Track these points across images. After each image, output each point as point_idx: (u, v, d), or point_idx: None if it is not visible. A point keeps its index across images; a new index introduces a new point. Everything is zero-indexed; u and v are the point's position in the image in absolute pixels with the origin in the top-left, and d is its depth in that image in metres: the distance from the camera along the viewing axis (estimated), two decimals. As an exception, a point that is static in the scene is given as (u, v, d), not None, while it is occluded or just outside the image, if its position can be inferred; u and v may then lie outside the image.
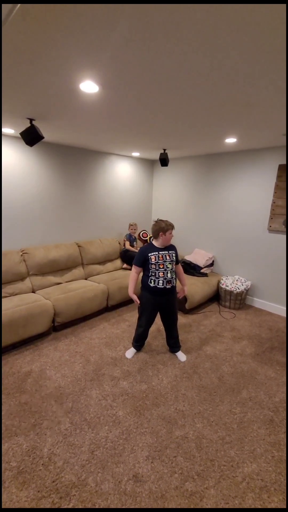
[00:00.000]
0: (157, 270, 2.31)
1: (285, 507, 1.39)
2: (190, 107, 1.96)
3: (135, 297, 2.45)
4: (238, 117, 2.17)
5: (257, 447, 1.73)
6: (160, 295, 2.39)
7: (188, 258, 4.35)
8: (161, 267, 2.31)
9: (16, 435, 1.75)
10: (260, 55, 1.24)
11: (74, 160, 3.83)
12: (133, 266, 2.43)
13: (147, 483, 1.49)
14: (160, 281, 2.32)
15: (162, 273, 2.32)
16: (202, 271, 4.10)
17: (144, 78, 1.51)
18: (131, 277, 2.44)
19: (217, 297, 4.06)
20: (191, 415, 1.96)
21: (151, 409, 2.00)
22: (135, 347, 2.69)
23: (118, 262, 4.31)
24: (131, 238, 4.36)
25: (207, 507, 1.38)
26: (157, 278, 2.32)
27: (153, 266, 2.31)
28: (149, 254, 2.32)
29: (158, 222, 2.34)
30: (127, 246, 4.30)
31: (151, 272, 2.33)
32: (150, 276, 2.34)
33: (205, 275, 4.05)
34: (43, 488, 1.44)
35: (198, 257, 4.26)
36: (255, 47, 1.18)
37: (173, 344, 2.65)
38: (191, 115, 2.14)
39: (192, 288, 3.56)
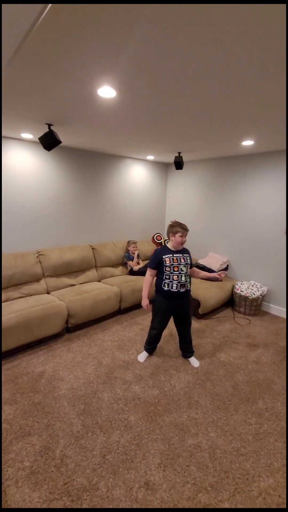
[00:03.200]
0: (171, 273, 2.28)
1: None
2: (207, 110, 1.94)
3: (147, 302, 2.42)
4: (257, 119, 2.13)
5: (274, 460, 1.65)
6: (174, 299, 2.35)
7: (202, 262, 4.29)
8: (176, 270, 2.29)
9: (29, 434, 1.77)
10: (280, 55, 1.20)
11: (90, 164, 3.89)
12: (148, 269, 2.42)
13: (158, 492, 1.46)
14: (174, 285, 2.29)
15: (176, 276, 2.28)
16: (216, 275, 4.02)
17: (161, 82, 1.51)
18: (146, 280, 2.43)
19: (231, 302, 3.97)
20: (204, 423, 1.91)
21: (163, 415, 1.97)
22: (147, 350, 2.67)
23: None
24: (130, 257, 4.12)
25: (221, 521, 1.34)
26: (171, 281, 2.29)
27: (167, 268, 2.28)
28: (164, 257, 2.30)
29: (172, 223, 2.34)
30: (132, 265, 4.05)
31: (165, 275, 2.30)
32: (164, 279, 2.31)
33: (219, 279, 3.97)
34: (55, 490, 1.45)
35: (212, 261, 4.19)
36: (274, 48, 1.15)
37: (186, 349, 2.61)
38: (208, 117, 2.12)
39: (206, 292, 3.50)
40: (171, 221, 2.38)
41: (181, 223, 2.32)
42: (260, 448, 1.73)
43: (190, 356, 2.63)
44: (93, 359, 2.60)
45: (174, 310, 2.43)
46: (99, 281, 3.81)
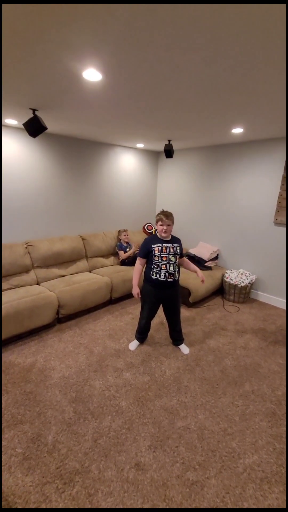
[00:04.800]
0: (160, 262, 2.29)
1: (285, 497, 1.41)
2: (195, 96, 1.91)
3: (137, 290, 2.43)
4: (245, 106, 2.11)
5: (258, 439, 1.74)
6: (162, 288, 2.37)
7: (193, 251, 4.32)
8: (164, 259, 2.29)
9: (21, 423, 1.79)
10: (266, 43, 1.18)
11: (78, 152, 3.79)
12: (138, 258, 2.43)
13: (149, 472, 1.52)
14: (162, 274, 2.30)
15: (164, 265, 2.29)
16: (206, 264, 4.07)
17: (148, 66, 1.47)
18: (136, 269, 2.44)
19: (221, 290, 4.04)
20: (193, 406, 1.97)
21: (153, 400, 2.02)
22: (138, 339, 2.70)
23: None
24: (122, 247, 4.12)
25: (208, 496, 1.40)
26: (159, 270, 2.30)
27: (156, 258, 2.29)
28: (153, 246, 2.30)
29: (159, 213, 2.33)
30: (122, 256, 4.07)
31: (154, 264, 2.31)
32: (152, 268, 2.32)
33: (209, 268, 4.03)
34: (48, 474, 1.48)
35: (202, 251, 4.23)
36: (261, 36, 1.13)
37: (176, 337, 2.66)
38: (196, 104, 2.08)
39: (196, 281, 3.54)
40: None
41: (164, 211, 2.30)
42: (246, 428, 1.81)
43: (180, 344, 2.68)
44: (85, 349, 2.62)
45: (163, 299, 2.46)
46: (90, 272, 3.80)
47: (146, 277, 2.42)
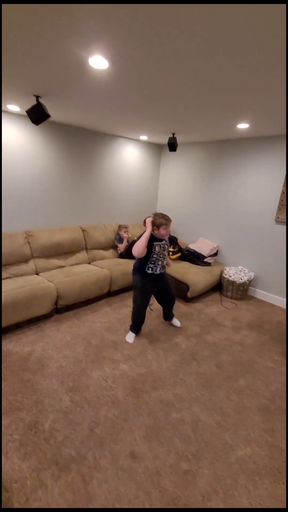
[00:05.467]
0: (157, 259, 2.42)
1: (274, 489, 1.45)
2: (202, 88, 1.87)
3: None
4: (252, 101, 2.07)
5: (251, 432, 1.77)
6: (156, 280, 2.53)
7: (192, 246, 4.32)
8: (161, 256, 2.44)
9: (19, 410, 1.81)
10: (272, 39, 1.16)
11: (81, 142, 3.74)
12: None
13: (143, 461, 1.55)
14: (158, 268, 2.46)
15: (161, 261, 2.46)
16: (205, 260, 4.08)
17: (155, 56, 1.43)
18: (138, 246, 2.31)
19: (219, 286, 4.06)
20: (188, 399, 2.01)
21: (149, 392, 2.05)
22: (135, 331, 2.73)
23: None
24: (121, 240, 4.06)
25: (199, 485, 1.44)
26: (155, 266, 2.44)
27: (154, 255, 2.39)
28: (155, 243, 2.37)
29: (155, 215, 2.37)
30: (121, 248, 4.05)
31: (152, 260, 2.40)
32: (149, 264, 2.41)
33: (208, 264, 4.04)
34: (44, 460, 1.51)
35: (202, 246, 4.23)
36: (268, 31, 1.10)
37: (168, 316, 2.95)
38: (203, 97, 2.05)
39: (195, 277, 3.55)
40: (153, 213, 2.41)
41: (164, 215, 2.35)
42: (239, 421, 1.85)
43: (172, 318, 2.94)
44: (82, 339, 2.64)
45: (158, 289, 2.63)
46: (89, 263, 3.80)
47: (139, 270, 2.48)
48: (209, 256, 4.14)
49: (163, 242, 2.44)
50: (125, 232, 4.10)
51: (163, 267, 2.50)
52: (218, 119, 2.72)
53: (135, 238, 4.05)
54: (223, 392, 2.09)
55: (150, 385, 2.12)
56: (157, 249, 2.37)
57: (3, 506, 1.29)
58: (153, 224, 2.33)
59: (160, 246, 2.40)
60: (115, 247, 4.20)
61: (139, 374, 2.23)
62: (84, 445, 1.62)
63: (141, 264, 2.45)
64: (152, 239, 2.36)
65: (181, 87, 1.88)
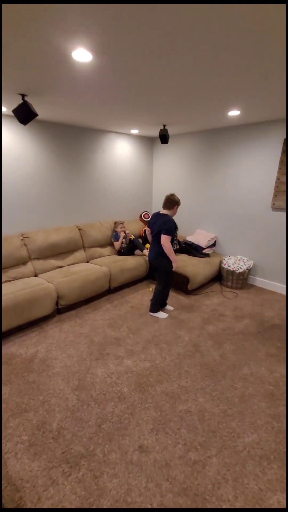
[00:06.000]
0: (176, 238, 2.90)
1: (283, 473, 1.47)
2: (190, 77, 1.83)
3: (178, 262, 2.86)
4: (242, 87, 2.04)
5: (257, 419, 1.79)
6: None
7: (190, 239, 4.31)
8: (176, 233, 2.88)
9: (26, 411, 1.82)
10: (260, 23, 1.12)
11: (71, 139, 3.69)
12: (167, 237, 2.66)
13: (152, 453, 1.57)
14: (175, 247, 2.89)
15: (177, 240, 2.98)
16: (204, 251, 4.07)
17: (140, 45, 1.40)
18: (170, 247, 2.70)
19: (219, 277, 4.06)
20: (193, 390, 2.02)
21: (154, 385, 2.07)
22: (162, 307, 3.20)
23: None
24: (117, 237, 4.01)
25: (209, 474, 1.46)
26: (175, 245, 2.89)
27: (176, 235, 2.87)
28: (173, 224, 2.75)
29: (174, 195, 2.78)
30: (117, 246, 4.00)
31: (175, 238, 2.85)
32: (174, 242, 2.81)
33: (207, 255, 4.03)
34: (54, 459, 1.52)
35: (200, 238, 4.21)
36: (256, 16, 1.07)
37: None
38: (191, 85, 2.01)
39: (194, 269, 3.55)
40: (172, 194, 2.80)
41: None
42: (245, 409, 1.86)
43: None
44: (85, 338, 2.65)
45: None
46: (87, 262, 3.79)
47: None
48: (207, 247, 4.13)
49: None
50: (121, 228, 4.07)
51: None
52: (209, 108, 2.68)
53: (133, 237, 4.05)
54: (227, 381, 2.11)
55: (155, 378, 2.13)
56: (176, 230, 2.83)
57: (16, 506, 1.30)
58: (177, 204, 2.77)
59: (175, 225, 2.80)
60: (112, 244, 4.19)
61: (144, 369, 2.24)
62: (92, 441, 1.63)
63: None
64: (174, 221, 2.75)
65: (168, 78, 1.85)
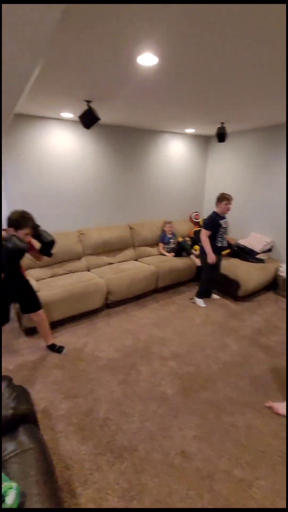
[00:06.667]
0: (224, 233, 3.06)
1: None
2: (255, 74, 1.72)
3: (214, 256, 3.06)
4: None
5: (315, 448, 1.61)
6: (220, 252, 3.17)
7: (243, 242, 4.06)
8: (223, 231, 3.06)
9: (76, 396, 1.97)
10: None
11: (127, 141, 3.81)
12: (205, 231, 3.04)
13: (194, 461, 1.54)
14: (225, 242, 3.12)
15: (225, 236, 3.09)
16: (258, 256, 3.80)
17: (206, 45, 1.36)
18: (206, 241, 3.05)
19: (274, 285, 3.75)
20: (240, 404, 1.91)
21: (199, 391, 2.02)
22: (206, 296, 3.40)
23: (167, 245, 4.28)
24: (165, 239, 4.03)
25: (256, 496, 1.37)
26: (223, 239, 3.08)
27: (222, 230, 3.04)
28: (220, 221, 3.02)
29: (223, 193, 3.05)
30: (161, 249, 4.02)
31: (219, 235, 3.05)
32: (218, 238, 3.05)
33: (261, 261, 3.75)
34: (100, 446, 1.61)
35: (254, 242, 3.94)
36: None
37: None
38: (257, 80, 1.88)
39: (246, 274, 3.34)
40: (220, 193, 3.05)
41: (224, 193, 3.05)
42: (300, 434, 1.69)
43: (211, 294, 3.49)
44: (131, 334, 2.73)
45: (217, 262, 3.17)
46: (136, 260, 3.88)
47: (213, 247, 3.06)
48: (262, 252, 3.84)
49: (225, 219, 3.08)
50: (169, 228, 4.04)
51: (225, 240, 3.11)
52: (274, 100, 2.48)
53: (181, 240, 4.01)
54: (280, 401, 1.94)
55: (199, 385, 2.08)
56: (224, 224, 3.03)
57: (65, 483, 1.41)
58: (222, 200, 3.00)
59: (225, 222, 3.06)
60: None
61: (188, 373, 2.20)
62: (135, 437, 1.67)
63: (211, 240, 3.05)
64: (217, 218, 3.01)
65: (235, 74, 1.76)
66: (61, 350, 2.42)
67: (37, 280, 2.95)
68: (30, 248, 2.15)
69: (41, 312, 2.32)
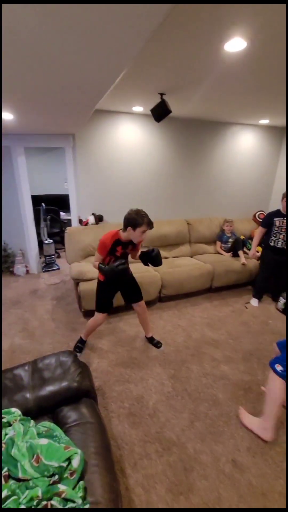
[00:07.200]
0: (278, 232, 2.87)
1: None
2: None
3: (254, 252, 3.24)
4: None
5: None
6: (277, 254, 2.96)
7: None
8: (283, 231, 2.84)
9: (128, 382, 2.04)
10: None
11: (193, 134, 3.71)
12: (259, 227, 3.06)
13: (246, 474, 1.45)
14: (279, 242, 2.90)
15: (283, 236, 2.85)
16: None
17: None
18: (256, 236, 3.11)
19: None
20: (304, 426, 1.72)
21: (254, 402, 1.89)
22: (258, 297, 3.27)
23: (226, 244, 4.07)
24: (222, 237, 3.82)
25: None
26: (277, 239, 2.90)
27: (276, 229, 2.88)
28: (275, 219, 2.88)
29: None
30: (218, 248, 3.85)
31: (273, 233, 2.91)
32: (272, 237, 2.93)
33: None
34: (149, 434, 1.65)
35: None
36: None
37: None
38: None
39: None
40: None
41: None
42: None
43: None
44: (183, 331, 2.70)
45: (277, 263, 3.00)
46: (191, 257, 3.80)
47: (265, 244, 3.04)
48: None
49: (283, 218, 2.85)
50: (227, 227, 3.81)
51: (284, 242, 2.87)
52: None
53: (243, 237, 3.77)
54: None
55: (254, 396, 1.95)
56: (277, 223, 2.87)
57: (115, 462, 1.49)
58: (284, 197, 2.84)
59: (281, 221, 2.87)
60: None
61: (242, 381, 2.08)
62: (184, 434, 1.66)
63: (266, 238, 3.02)
64: (274, 215, 2.92)
65: None
66: (160, 346, 2.42)
67: (97, 267, 3.13)
68: (137, 247, 2.19)
69: (142, 302, 2.35)
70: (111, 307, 2.29)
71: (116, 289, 2.27)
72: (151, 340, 2.49)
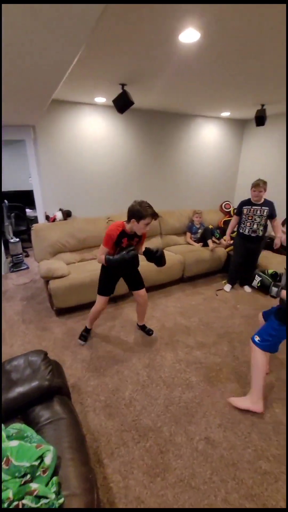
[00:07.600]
0: (246, 220, 3.01)
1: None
2: (312, 42, 1.56)
3: (228, 238, 3.38)
4: None
5: None
6: (247, 241, 3.08)
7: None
8: (250, 218, 2.97)
9: (103, 375, 2.05)
10: None
11: (158, 126, 3.73)
12: (235, 216, 3.17)
13: (218, 449, 1.54)
14: (247, 229, 3.01)
15: (249, 223, 2.98)
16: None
17: (250, 18, 1.25)
18: (230, 224, 3.28)
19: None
20: (269, 399, 1.86)
21: (224, 382, 2.00)
22: (231, 283, 3.43)
23: (196, 234, 4.19)
24: (192, 228, 3.94)
25: (283, 490, 1.34)
26: (245, 226, 3.03)
27: (244, 216, 3.03)
28: (244, 207, 3.02)
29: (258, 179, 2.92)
30: (188, 239, 3.94)
31: (242, 221, 3.07)
32: (241, 224, 3.09)
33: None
34: (125, 423, 1.68)
35: (289, 234, 3.72)
36: None
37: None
38: (311, 53, 1.71)
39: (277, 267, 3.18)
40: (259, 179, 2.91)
41: (262, 180, 2.89)
42: None
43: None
44: (157, 322, 2.75)
45: (248, 251, 3.16)
46: (163, 249, 3.85)
47: (237, 232, 3.17)
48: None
49: (256, 207, 2.93)
50: (197, 218, 3.93)
51: (253, 231, 2.98)
52: None
53: (211, 226, 3.90)
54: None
55: (225, 376, 2.06)
56: (245, 211, 3.00)
57: (93, 453, 1.50)
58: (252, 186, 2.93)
59: (248, 209, 2.97)
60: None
61: (214, 363, 2.19)
62: (160, 419, 1.71)
63: (238, 226, 3.16)
64: (243, 204, 3.02)
65: (280, 51, 1.62)
66: (151, 333, 2.51)
67: (67, 264, 3.06)
68: (142, 240, 2.16)
69: (144, 291, 2.33)
70: (112, 291, 2.27)
71: (119, 275, 2.24)
72: (143, 328, 2.56)
